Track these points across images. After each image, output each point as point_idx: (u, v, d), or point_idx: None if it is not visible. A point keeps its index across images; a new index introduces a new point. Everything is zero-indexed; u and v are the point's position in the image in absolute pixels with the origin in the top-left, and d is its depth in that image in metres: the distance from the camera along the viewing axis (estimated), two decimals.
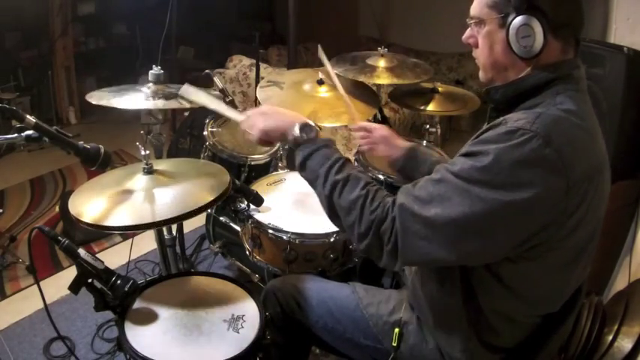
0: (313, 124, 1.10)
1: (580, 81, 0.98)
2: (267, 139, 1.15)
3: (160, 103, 1.61)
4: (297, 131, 1.09)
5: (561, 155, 0.86)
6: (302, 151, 1.08)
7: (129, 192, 1.29)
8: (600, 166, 0.96)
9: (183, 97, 1.52)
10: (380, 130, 1.48)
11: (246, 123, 1.18)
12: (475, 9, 1.02)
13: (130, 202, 1.25)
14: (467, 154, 0.92)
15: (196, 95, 1.36)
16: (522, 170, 0.85)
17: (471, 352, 1.08)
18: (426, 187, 0.94)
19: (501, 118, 0.94)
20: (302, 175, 1.10)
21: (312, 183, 1.07)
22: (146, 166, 1.34)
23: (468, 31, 1.06)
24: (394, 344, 1.18)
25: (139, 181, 1.32)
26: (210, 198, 1.26)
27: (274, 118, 1.15)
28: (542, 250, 0.93)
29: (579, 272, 1.05)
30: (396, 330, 1.19)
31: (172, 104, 1.63)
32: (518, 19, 0.94)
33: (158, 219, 1.20)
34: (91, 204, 1.24)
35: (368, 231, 0.96)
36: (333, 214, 1.04)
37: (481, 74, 1.07)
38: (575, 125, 0.91)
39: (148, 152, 1.36)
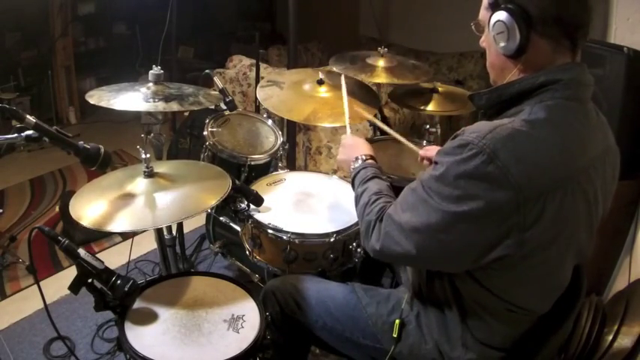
0: (362, 157, 1.33)
1: (573, 87, 0.95)
2: (341, 167, 1.42)
3: (160, 105, 1.61)
4: (351, 164, 1.35)
5: (507, 172, 0.86)
6: (351, 175, 1.31)
7: (129, 196, 1.29)
8: (568, 179, 0.92)
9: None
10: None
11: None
12: (480, 12, 1.04)
13: (131, 207, 1.25)
14: (434, 163, 0.98)
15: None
16: (466, 184, 0.88)
17: (469, 350, 1.08)
18: (406, 195, 1.04)
19: (462, 129, 0.95)
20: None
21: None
22: (146, 170, 1.34)
23: (483, 35, 1.06)
24: (395, 335, 1.19)
25: (139, 185, 1.32)
26: (210, 202, 1.27)
27: (344, 153, 1.39)
28: (506, 264, 0.93)
29: (560, 281, 1.05)
30: (397, 321, 1.20)
31: (173, 106, 1.63)
32: (494, 16, 0.95)
33: (158, 224, 1.21)
34: (91, 207, 1.25)
35: (363, 230, 1.12)
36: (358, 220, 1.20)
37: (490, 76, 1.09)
38: (534, 139, 0.89)
39: (148, 155, 1.36)
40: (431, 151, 1.58)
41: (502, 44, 0.95)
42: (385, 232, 1.03)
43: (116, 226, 1.19)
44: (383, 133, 2.22)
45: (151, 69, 1.73)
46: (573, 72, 0.95)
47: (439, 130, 2.29)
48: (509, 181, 0.86)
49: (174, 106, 1.63)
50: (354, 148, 1.38)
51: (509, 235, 0.89)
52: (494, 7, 0.95)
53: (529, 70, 0.96)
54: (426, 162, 1.61)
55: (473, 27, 1.05)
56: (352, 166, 1.33)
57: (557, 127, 0.92)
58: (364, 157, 1.33)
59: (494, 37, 0.96)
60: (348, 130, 1.52)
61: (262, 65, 3.25)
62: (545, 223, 0.90)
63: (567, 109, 0.94)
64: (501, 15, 0.93)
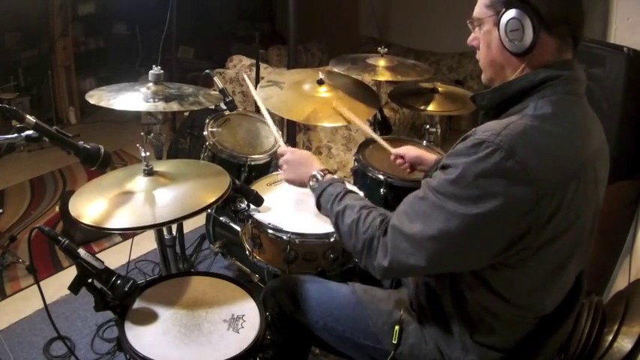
0: (320, 173, 1.26)
1: (572, 83, 0.96)
2: (291, 183, 1.36)
3: (160, 105, 1.61)
4: (309, 181, 1.28)
5: (526, 167, 0.86)
6: (315, 194, 1.24)
7: (129, 193, 1.29)
8: (579, 170, 0.94)
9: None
10: (410, 151, 1.63)
11: (280, 162, 1.39)
12: (476, 10, 1.04)
13: (131, 204, 1.25)
14: (442, 167, 0.95)
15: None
16: (486, 182, 0.87)
17: (470, 352, 1.08)
18: (413, 204, 1.00)
19: (473, 129, 0.95)
20: (322, 213, 1.24)
21: (328, 217, 1.20)
22: (146, 168, 1.34)
23: (472, 34, 1.07)
24: (394, 342, 1.18)
25: (139, 183, 1.32)
26: (210, 200, 1.26)
27: (293, 171, 1.34)
28: (522, 257, 0.94)
29: (568, 276, 1.06)
30: (397, 327, 1.19)
31: (173, 106, 1.63)
32: (507, 14, 0.95)
33: (158, 221, 1.20)
34: (91, 206, 1.24)
35: (362, 249, 1.05)
36: (341, 239, 1.15)
37: (483, 75, 1.08)
38: (547, 134, 0.90)
39: (148, 154, 1.36)
40: (406, 150, 1.63)
41: (516, 42, 0.95)
42: (393, 246, 0.98)
43: (116, 223, 1.19)
44: (382, 133, 2.24)
45: (151, 69, 1.73)
46: (571, 68, 0.97)
47: (439, 130, 2.29)
48: (529, 175, 0.86)
49: (174, 106, 1.63)
50: (303, 164, 1.32)
51: (529, 230, 0.89)
52: (507, 5, 0.95)
53: (532, 68, 0.97)
54: (399, 161, 1.65)
55: (470, 25, 1.05)
56: (312, 184, 1.26)
57: (564, 121, 0.93)
58: (322, 173, 1.26)
59: (505, 35, 0.96)
60: (282, 143, 1.47)
61: (262, 65, 3.26)
62: (562, 214, 0.90)
63: (570, 103, 0.96)
64: (516, 13, 0.93)
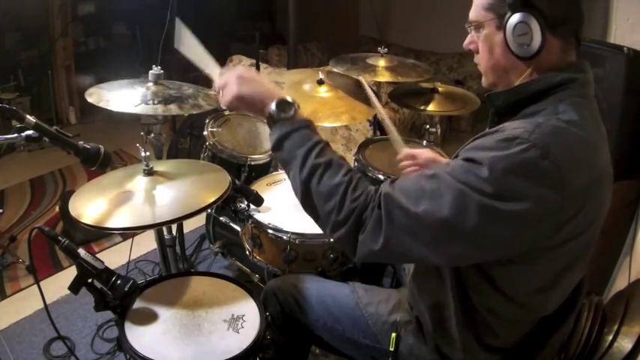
0: (292, 101, 1.01)
1: (586, 86, 0.95)
2: (238, 105, 1.04)
3: (160, 108, 1.61)
4: (273, 107, 1.00)
5: (559, 168, 0.83)
6: (279, 130, 1.00)
7: (129, 193, 1.29)
8: (600, 177, 0.93)
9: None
10: (425, 153, 1.42)
11: (220, 82, 1.07)
12: (473, 13, 1.01)
13: (130, 204, 1.25)
14: (463, 159, 0.89)
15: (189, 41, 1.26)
16: (516, 181, 0.83)
17: (469, 353, 1.08)
18: (417, 180, 0.91)
19: (498, 126, 0.92)
20: (276, 155, 1.03)
21: (287, 164, 1.00)
22: (146, 168, 1.34)
23: (468, 37, 1.04)
24: (391, 349, 1.18)
25: (139, 183, 1.32)
26: (210, 200, 1.26)
27: (251, 86, 1.03)
28: (533, 255, 0.92)
29: (573, 277, 1.05)
30: (393, 335, 1.18)
31: (172, 108, 1.63)
32: (514, 18, 0.92)
33: (158, 221, 1.20)
34: (91, 205, 1.25)
35: (347, 219, 0.91)
36: (306, 198, 0.97)
37: (483, 79, 1.05)
38: (576, 137, 0.88)
39: (148, 153, 1.36)
40: (421, 152, 1.43)
41: (525, 46, 0.92)
42: (389, 220, 0.88)
43: (116, 223, 1.19)
44: (382, 133, 2.24)
45: (151, 69, 1.73)
46: (584, 71, 0.96)
47: (439, 130, 2.29)
48: (561, 178, 0.83)
49: (173, 110, 1.64)
50: (264, 83, 1.05)
51: (547, 232, 0.87)
52: (512, 8, 0.93)
53: (538, 70, 0.95)
54: (407, 162, 1.40)
55: (472, 29, 1.02)
56: (276, 113, 1.00)
57: (587, 125, 0.92)
58: (295, 105, 1.02)
59: (513, 39, 0.93)
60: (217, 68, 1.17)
61: (262, 65, 3.25)
62: (579, 219, 0.89)
63: (585, 106, 0.94)
64: (523, 16, 0.91)
